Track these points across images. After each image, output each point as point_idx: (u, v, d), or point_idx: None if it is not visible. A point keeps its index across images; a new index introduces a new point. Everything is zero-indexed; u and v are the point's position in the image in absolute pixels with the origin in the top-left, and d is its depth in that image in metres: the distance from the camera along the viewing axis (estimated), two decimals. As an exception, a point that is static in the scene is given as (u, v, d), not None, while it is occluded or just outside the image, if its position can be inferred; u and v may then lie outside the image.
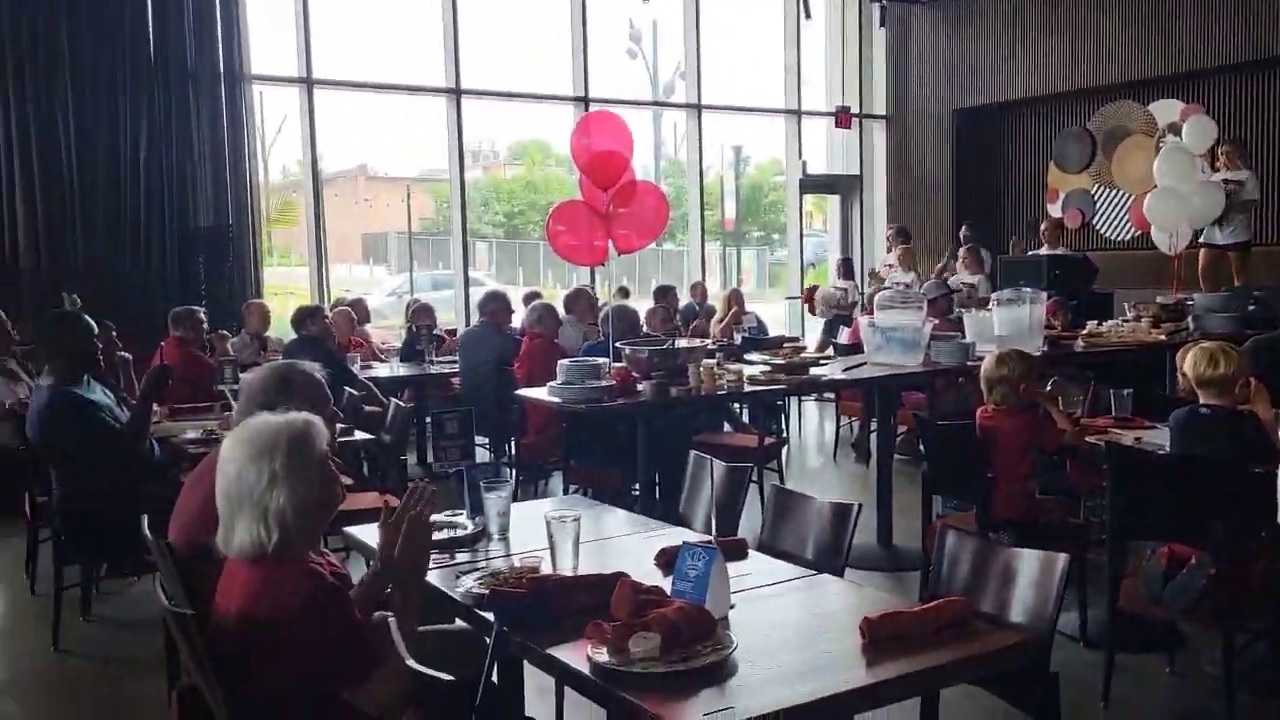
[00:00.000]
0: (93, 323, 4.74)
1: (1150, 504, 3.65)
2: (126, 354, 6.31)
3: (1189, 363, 3.78)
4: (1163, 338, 6.67)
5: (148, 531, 2.85)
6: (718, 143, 24.41)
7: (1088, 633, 4.19)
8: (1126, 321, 7.28)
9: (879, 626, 2.18)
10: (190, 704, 2.29)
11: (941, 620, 2.24)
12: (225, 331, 7.73)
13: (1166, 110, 10.13)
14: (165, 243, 8.85)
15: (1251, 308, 7.35)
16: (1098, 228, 11.55)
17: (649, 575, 2.52)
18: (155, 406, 4.90)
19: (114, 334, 6.45)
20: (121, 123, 8.60)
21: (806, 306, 11.42)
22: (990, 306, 6.31)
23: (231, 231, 9.00)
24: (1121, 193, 10.62)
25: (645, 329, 6.86)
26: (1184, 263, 8.86)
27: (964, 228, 11.00)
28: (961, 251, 9.96)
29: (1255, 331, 5.95)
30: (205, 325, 7.20)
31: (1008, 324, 5.93)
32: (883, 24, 13.07)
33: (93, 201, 8.53)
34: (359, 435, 5.05)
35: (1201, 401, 3.74)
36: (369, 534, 2.97)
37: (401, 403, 5.85)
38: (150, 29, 8.77)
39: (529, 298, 8.67)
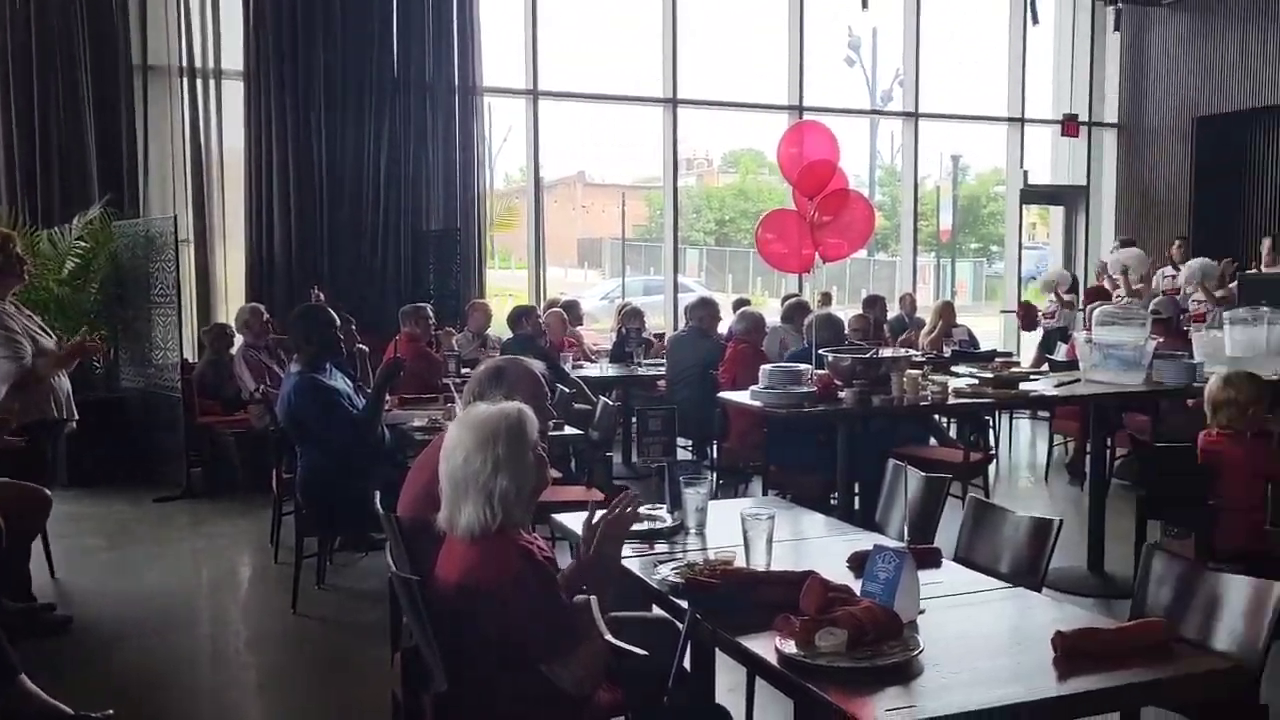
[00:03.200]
0: (335, 315, 5.20)
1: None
2: (364, 346, 6.86)
3: None
4: None
5: (379, 507, 3.15)
6: (935, 152, 23.83)
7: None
8: (1383, 347, 6.67)
9: (1072, 641, 2.16)
10: (411, 664, 2.53)
11: (1138, 640, 2.20)
12: (450, 329, 8.24)
13: None
14: (400, 245, 9.49)
15: None
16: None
17: (840, 576, 2.58)
18: (387, 396, 5.31)
19: (353, 327, 7.02)
20: (366, 132, 9.29)
21: (1018, 321, 11.04)
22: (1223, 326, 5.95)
23: (459, 235, 9.56)
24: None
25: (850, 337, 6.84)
26: None
27: (1175, 244, 10.35)
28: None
29: None
30: (433, 322, 7.70)
31: (1241, 345, 5.57)
32: (1117, 28, 12.43)
33: (338, 206, 9.26)
34: (568, 430, 5.30)
35: None
36: (574, 522, 3.16)
37: (610, 401, 6.09)
38: (395, 44, 9.44)
39: (738, 305, 8.79)
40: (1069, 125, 12.56)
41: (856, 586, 2.44)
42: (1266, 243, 9.91)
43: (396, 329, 7.54)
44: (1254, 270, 9.53)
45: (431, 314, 7.69)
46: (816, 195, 5.51)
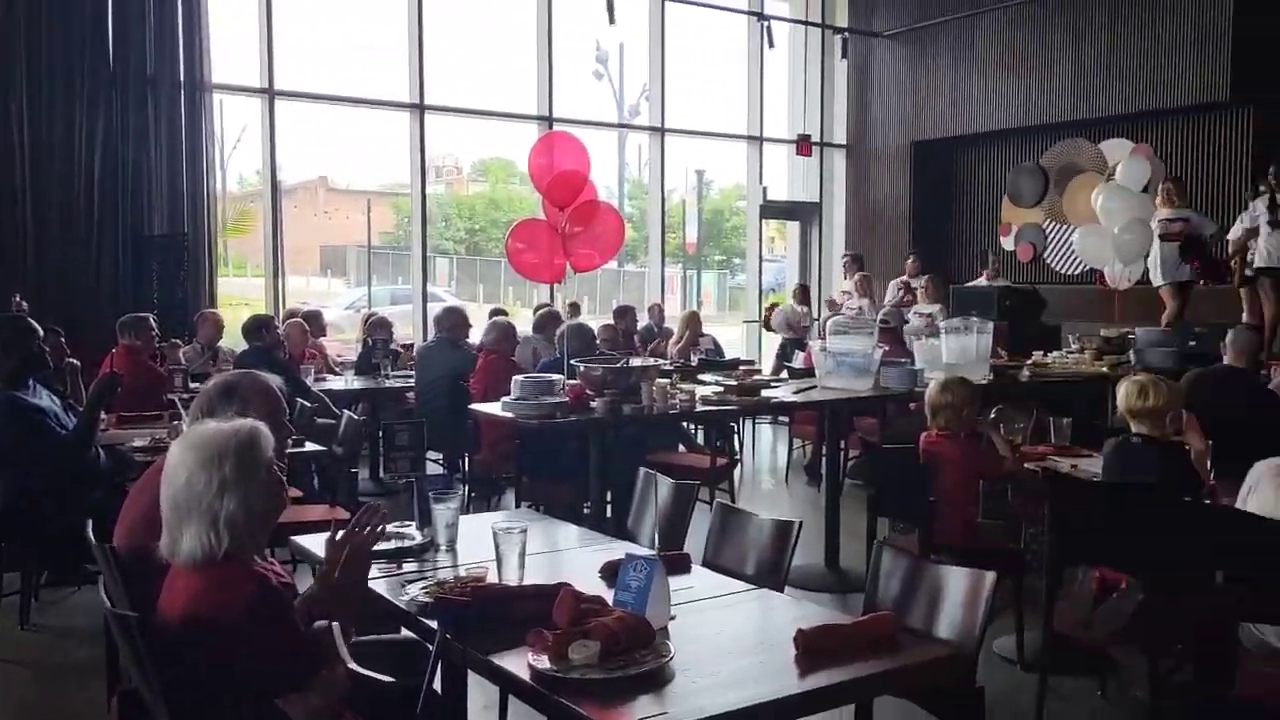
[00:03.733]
0: (38, 327, 4.70)
1: (1084, 530, 3.75)
2: (75, 360, 6.26)
3: (1121, 394, 3.91)
4: (1105, 370, 6.84)
5: (91, 536, 2.85)
6: (681, 166, 24.62)
7: (1025, 655, 4.28)
8: (1071, 353, 7.46)
9: (811, 638, 2.24)
10: (130, 708, 2.30)
11: (870, 633, 2.32)
12: (177, 340, 7.67)
13: (1117, 149, 10.40)
14: (118, 250, 8.76)
15: (1192, 344, 7.56)
16: (1048, 261, 11.80)
17: (593, 587, 2.57)
18: (103, 414, 4.87)
19: (62, 340, 6.40)
20: (78, 127, 8.53)
21: (765, 324, 11.55)
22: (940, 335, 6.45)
23: (186, 240, 8.95)
24: (1072, 228, 10.88)
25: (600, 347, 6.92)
26: (1127, 298, 9.09)
27: (910, 258, 11.19)
28: (924, 280, 10.14)
29: (1193, 366, 6.13)
30: (156, 334, 7.14)
31: (956, 352, 6.06)
32: (844, 55, 13.30)
33: (46, 207, 8.45)
34: (310, 447, 5.05)
35: (1133, 432, 3.86)
36: (317, 545, 2.99)
37: (355, 416, 5.86)
38: (110, 35, 8.73)
39: (494, 314, 8.71)
40: (802, 145, 13.30)
41: (609, 596, 2.43)
42: (911, 261, 10.80)
43: (115, 341, 6.94)
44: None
45: (155, 325, 7.13)
46: (568, 206, 5.53)
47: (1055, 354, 7.48)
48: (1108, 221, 8.69)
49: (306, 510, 4.84)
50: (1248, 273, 8.41)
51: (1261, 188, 8.56)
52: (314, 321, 8.74)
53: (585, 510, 5.36)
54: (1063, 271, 11.64)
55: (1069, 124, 11.32)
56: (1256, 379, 5.57)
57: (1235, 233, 8.58)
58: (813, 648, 2.23)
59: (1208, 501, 3.79)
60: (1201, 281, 9.02)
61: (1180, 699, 3.84)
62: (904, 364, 5.99)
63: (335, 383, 7.87)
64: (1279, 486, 3.14)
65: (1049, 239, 11.73)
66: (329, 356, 8.72)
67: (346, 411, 6.07)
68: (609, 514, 5.09)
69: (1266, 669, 3.15)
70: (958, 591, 2.55)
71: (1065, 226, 11.11)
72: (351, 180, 28.42)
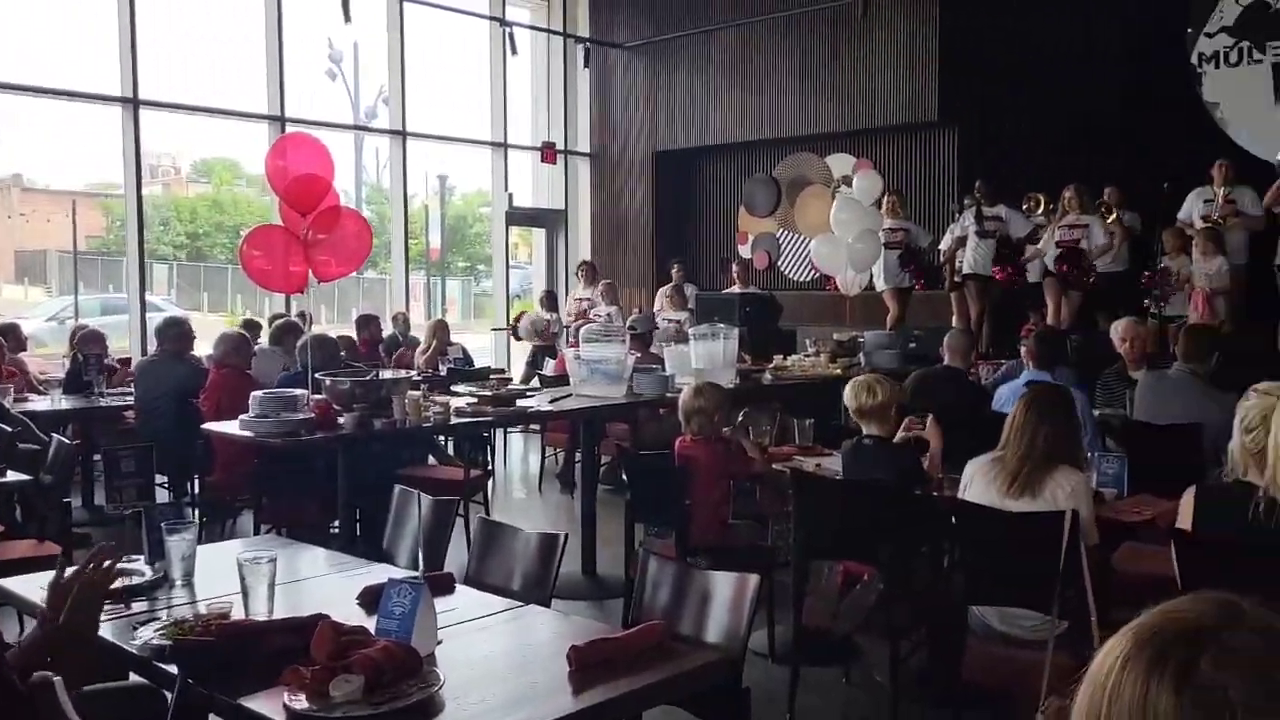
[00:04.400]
0: None
1: (828, 526, 3.94)
2: None
3: (849, 395, 4.11)
4: (839, 371, 7.25)
5: None
6: (423, 171, 24.12)
7: (775, 649, 4.44)
8: (808, 356, 7.87)
9: (585, 654, 2.21)
10: None
11: (643, 644, 2.31)
12: None
13: (841, 163, 11.09)
14: None
15: (912, 345, 8.16)
16: (782, 269, 12.42)
17: (352, 615, 2.42)
18: None
19: None
20: None
21: (512, 331, 11.49)
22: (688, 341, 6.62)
23: None
24: (803, 237, 11.50)
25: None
26: (857, 303, 9.71)
27: (675, 266, 11.46)
28: (668, 289, 10.39)
29: (915, 366, 6.61)
30: None
31: (704, 357, 6.24)
32: (586, 64, 13.46)
33: None
34: (12, 476, 4.52)
35: (864, 431, 4.08)
36: (23, 586, 2.67)
37: (65, 439, 5.30)
38: None
39: (247, 325, 8.19)
40: (547, 152, 13.34)
41: (370, 624, 2.30)
42: (675, 269, 11.15)
43: None
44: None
45: None
46: (309, 212, 5.24)
47: (794, 357, 7.86)
48: (841, 231, 9.24)
49: (10, 547, 4.34)
50: (956, 279, 9.18)
51: (967, 201, 9.38)
52: (11, 335, 7.84)
53: (333, 531, 5.10)
54: (795, 278, 12.28)
55: (798, 139, 11.96)
56: (971, 377, 6.06)
57: (946, 242, 9.34)
58: (587, 663, 2.19)
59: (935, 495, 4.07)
60: (919, 286, 9.77)
61: (917, 679, 4.11)
62: (655, 370, 6.10)
63: (40, 403, 7.09)
64: (988, 484, 3.39)
65: (783, 247, 12.34)
66: (31, 374, 7.86)
67: (55, 435, 5.48)
68: (358, 534, 4.87)
69: (989, 649, 3.40)
70: (723, 595, 2.59)
71: (797, 235, 11.73)
72: (51, 179, 25.95)
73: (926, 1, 10.70)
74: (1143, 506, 3.51)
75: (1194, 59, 9.12)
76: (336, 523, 5.08)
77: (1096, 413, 5.23)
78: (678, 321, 9.29)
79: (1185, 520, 2.96)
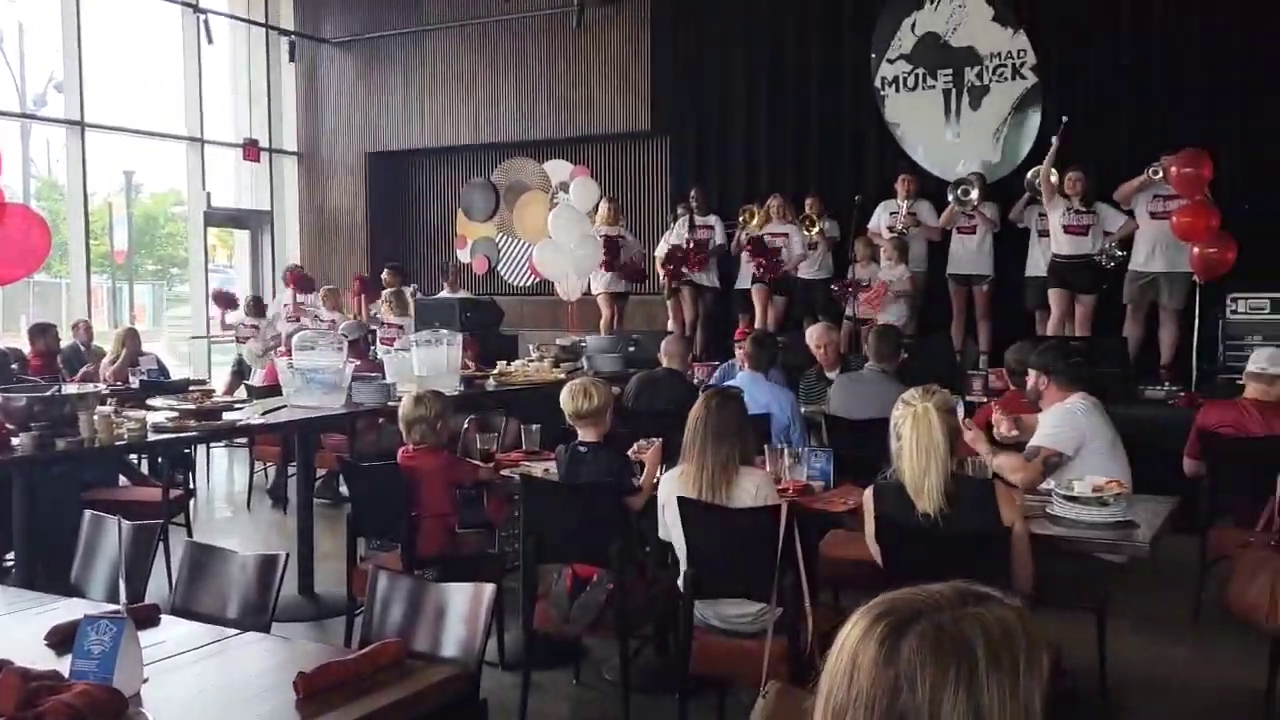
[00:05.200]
0: None
1: (556, 529, 3.95)
2: None
3: (565, 400, 4.12)
4: (563, 375, 7.30)
5: None
6: (106, 166, 22.13)
7: (505, 656, 4.41)
8: (531, 361, 7.88)
9: (313, 680, 2.09)
10: None
11: (376, 664, 2.22)
12: None
13: (558, 170, 11.20)
14: None
15: (631, 349, 8.38)
16: (502, 274, 12.39)
17: (42, 659, 2.16)
18: None
19: None
20: None
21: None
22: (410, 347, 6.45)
23: None
24: (523, 242, 11.52)
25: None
26: (577, 308, 9.83)
27: (386, 270, 11.11)
28: (386, 294, 10.07)
29: (636, 369, 6.79)
30: None
31: (427, 364, 6.09)
32: (292, 59, 12.85)
33: None
34: None
35: (580, 435, 4.11)
36: None
37: None
38: None
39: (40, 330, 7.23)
40: (249, 150, 12.62)
41: (63, 666, 2.06)
42: (387, 274, 10.86)
43: None
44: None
45: None
46: (-28, 206, 4.66)
47: (518, 362, 7.85)
48: (562, 237, 9.33)
49: None
50: (674, 285, 9.50)
51: (680, 209, 9.74)
52: None
53: (7, 566, 4.56)
54: (515, 283, 12.28)
55: (516, 144, 11.98)
56: (687, 379, 6.28)
57: (661, 249, 9.66)
58: (315, 689, 2.07)
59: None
60: (634, 292, 10.04)
61: (646, 674, 4.21)
62: (375, 378, 5.90)
63: None
64: (683, 485, 3.51)
65: (502, 252, 12.32)
66: None
67: None
68: (42, 568, 4.37)
69: (714, 641, 3.53)
70: (459, 607, 2.54)
71: (516, 240, 11.75)
72: None
73: (638, 16, 11.05)
74: (847, 496, 3.76)
75: (878, 82, 9.92)
76: (10, 556, 4.54)
77: (804, 410, 5.57)
78: (399, 327, 9.04)
79: (868, 514, 3.23)
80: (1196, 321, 7.55)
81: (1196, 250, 7.34)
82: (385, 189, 13.01)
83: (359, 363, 6.34)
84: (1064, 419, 4.03)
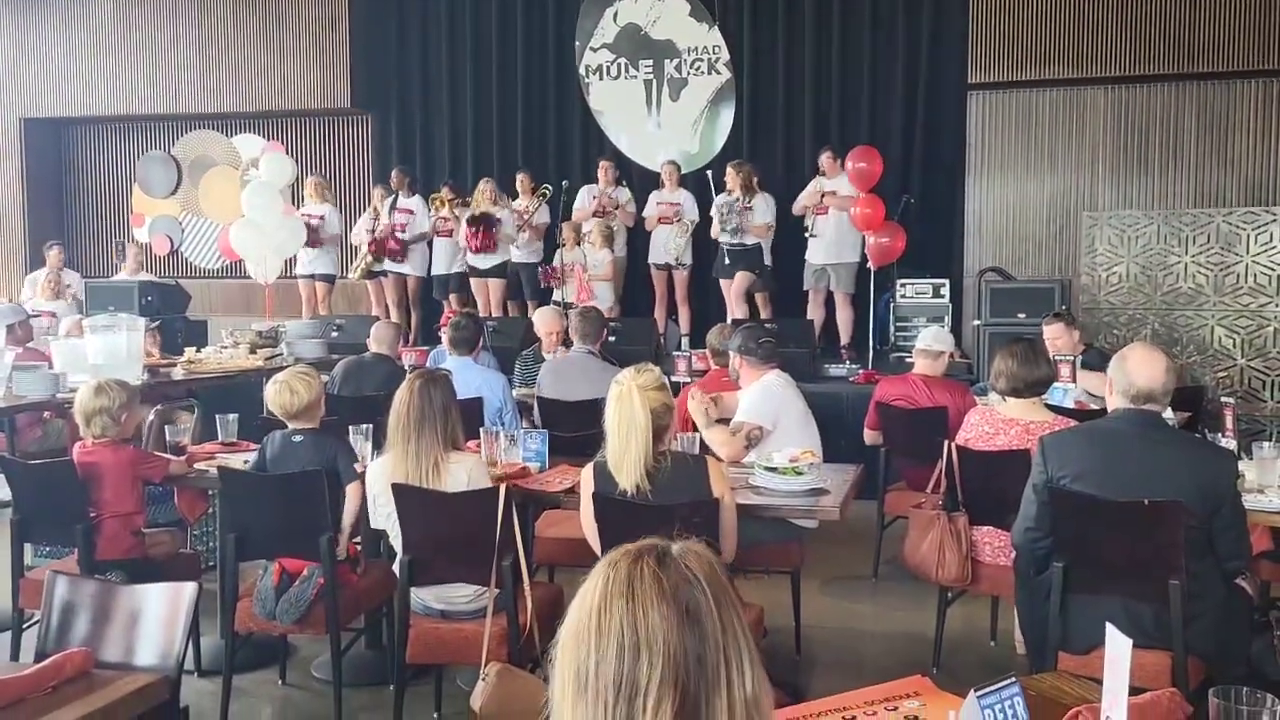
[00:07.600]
0: None
1: (260, 523, 3.73)
2: None
3: (272, 399, 3.83)
4: (261, 363, 6.89)
5: None
6: None
7: (202, 661, 4.12)
8: (225, 348, 7.37)
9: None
10: None
11: (59, 676, 2.01)
12: None
13: (249, 145, 10.56)
14: None
15: (335, 334, 8.04)
16: (187, 255, 11.53)
17: None
18: None
19: None
20: None
21: None
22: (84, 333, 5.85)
23: None
24: (210, 221, 10.77)
25: None
26: (274, 291, 9.31)
27: (54, 249, 9.99)
28: (38, 275, 9.07)
29: (341, 355, 6.51)
30: None
31: (104, 352, 5.53)
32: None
33: None
34: None
35: (292, 427, 3.86)
36: None
37: None
38: None
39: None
40: None
41: None
42: (55, 252, 9.91)
43: None
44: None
45: None
46: None
47: (209, 349, 7.32)
48: (260, 216, 8.78)
49: None
50: (376, 268, 9.18)
51: (379, 191, 9.41)
52: None
53: None
54: (202, 266, 11.47)
55: (199, 116, 11.15)
56: (398, 364, 6.09)
57: (357, 232, 9.32)
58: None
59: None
60: (341, 275, 9.63)
61: (358, 667, 4.07)
62: (40, 368, 5.31)
63: None
64: (392, 473, 3.42)
65: (186, 231, 11.46)
66: None
67: None
68: None
69: (432, 626, 3.47)
70: (155, 611, 2.34)
71: (203, 219, 10.97)
72: None
73: (336, -11, 10.59)
74: (563, 476, 3.80)
75: (582, 70, 10.06)
76: None
77: (516, 393, 5.56)
78: (52, 313, 8.17)
79: (586, 489, 3.29)
80: (871, 305, 8.26)
81: (871, 240, 8.02)
82: (45, 160, 11.72)
83: (20, 350, 5.68)
84: (761, 394, 4.28)
